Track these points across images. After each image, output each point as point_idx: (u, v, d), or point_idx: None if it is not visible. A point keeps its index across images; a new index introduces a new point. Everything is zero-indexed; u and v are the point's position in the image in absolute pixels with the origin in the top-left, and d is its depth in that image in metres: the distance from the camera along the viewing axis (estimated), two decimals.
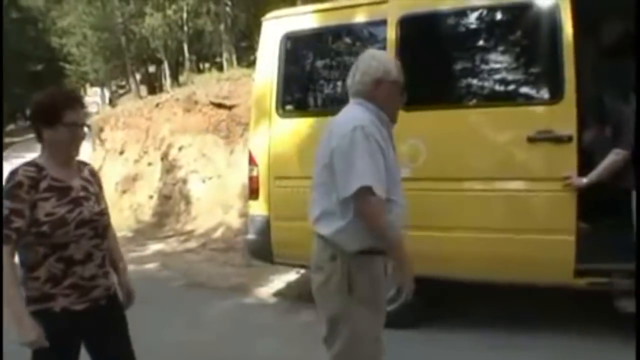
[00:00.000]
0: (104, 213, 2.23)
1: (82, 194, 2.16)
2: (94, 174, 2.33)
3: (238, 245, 7.14)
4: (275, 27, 4.55)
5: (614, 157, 3.58)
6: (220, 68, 17.86)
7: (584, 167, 3.63)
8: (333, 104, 4.52)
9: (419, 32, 4.01)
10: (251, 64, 14.67)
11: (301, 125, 4.44)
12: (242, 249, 6.60)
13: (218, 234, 8.11)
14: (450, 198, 3.83)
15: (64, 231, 2.06)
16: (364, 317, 2.31)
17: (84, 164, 2.31)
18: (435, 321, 4.24)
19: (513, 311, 4.31)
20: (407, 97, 3.86)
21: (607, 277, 3.68)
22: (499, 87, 3.92)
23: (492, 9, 3.94)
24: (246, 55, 18.65)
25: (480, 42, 3.97)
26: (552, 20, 3.66)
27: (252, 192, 4.63)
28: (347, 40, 4.50)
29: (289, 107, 4.57)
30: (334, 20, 4.44)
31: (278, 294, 5.39)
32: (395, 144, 2.47)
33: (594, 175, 3.61)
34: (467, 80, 4.01)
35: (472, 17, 4.00)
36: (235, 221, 8.07)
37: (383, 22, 4.04)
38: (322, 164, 2.32)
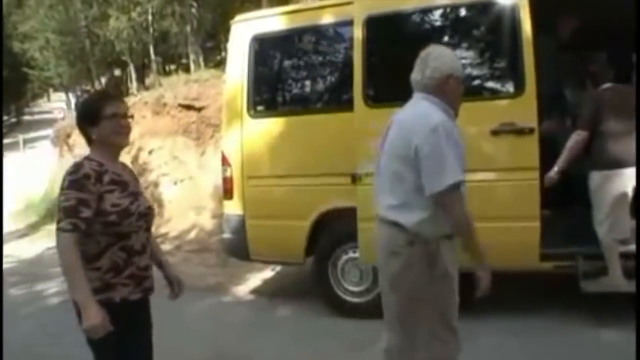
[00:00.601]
0: (152, 208, 2.36)
1: (135, 189, 2.29)
2: (133, 172, 2.44)
3: (212, 246, 7.18)
4: (244, 30, 4.63)
5: (575, 138, 3.82)
6: (187, 69, 17.77)
7: (546, 157, 3.81)
8: (303, 104, 4.65)
9: (385, 32, 4.12)
10: (218, 64, 14.65)
11: (272, 125, 4.54)
12: (217, 249, 6.65)
13: (192, 235, 8.11)
14: None
15: (129, 221, 2.17)
16: (444, 294, 2.43)
17: (123, 163, 2.39)
18: None
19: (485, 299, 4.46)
20: (374, 95, 4.04)
21: (571, 260, 3.88)
22: (465, 82, 4.04)
23: (454, 8, 4.08)
24: (213, 56, 18.59)
25: (445, 40, 4.09)
26: (512, 18, 3.81)
27: (227, 192, 4.70)
28: (315, 40, 4.60)
29: (259, 107, 4.64)
30: (301, 21, 4.54)
31: (254, 291, 5.47)
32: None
33: (560, 162, 3.81)
34: None
35: (436, 16, 4.14)
36: (208, 222, 8.09)
37: (349, 23, 4.13)
38: (395, 155, 2.42)
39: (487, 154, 3.83)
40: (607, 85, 3.89)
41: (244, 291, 5.52)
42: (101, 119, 2.18)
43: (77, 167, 2.14)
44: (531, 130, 3.71)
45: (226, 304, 5.20)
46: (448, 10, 4.11)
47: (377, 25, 4.06)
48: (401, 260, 2.40)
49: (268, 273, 5.87)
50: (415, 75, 2.53)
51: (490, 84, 4.08)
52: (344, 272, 4.44)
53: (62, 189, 2.11)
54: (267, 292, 5.38)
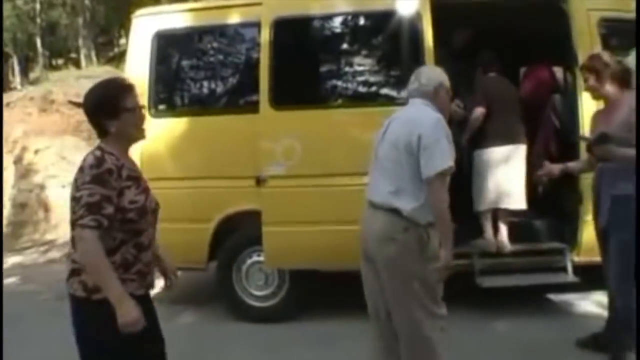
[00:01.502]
0: (158, 203, 2.32)
1: (145, 184, 2.26)
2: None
3: None
4: (146, 25, 4.45)
5: (475, 114, 4.28)
6: (77, 64, 16.81)
7: None
8: (207, 104, 4.53)
9: (292, 35, 4.14)
10: (112, 60, 13.99)
11: (175, 126, 4.39)
12: None
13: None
14: (324, 194, 4.00)
15: (145, 219, 2.16)
16: (433, 274, 2.65)
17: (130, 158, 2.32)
18: (309, 313, 4.40)
19: None
20: (281, 98, 4.05)
21: (468, 259, 4.12)
22: (367, 89, 4.18)
23: (359, 16, 4.19)
24: (106, 51, 17.73)
25: (349, 46, 4.20)
26: (414, 27, 4.00)
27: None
28: (221, 40, 4.51)
29: (161, 107, 4.49)
30: (207, 20, 4.45)
31: (153, 299, 5.21)
32: None
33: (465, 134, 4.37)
34: (337, 82, 4.21)
35: (342, 22, 4.23)
36: None
37: (256, 24, 4.11)
38: (397, 143, 2.65)
39: None
40: (493, 74, 4.43)
41: None
42: (122, 111, 2.12)
43: (99, 160, 2.06)
44: None
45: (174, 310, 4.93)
46: (354, 17, 4.22)
47: (285, 28, 4.08)
48: (398, 245, 2.61)
49: None
50: (411, 85, 2.86)
51: (393, 91, 4.20)
52: (248, 277, 4.39)
53: (83, 182, 2.02)
54: (167, 299, 5.16)
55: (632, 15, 4.34)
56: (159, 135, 4.35)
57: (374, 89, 4.15)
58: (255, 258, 4.35)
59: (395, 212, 2.63)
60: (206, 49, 4.54)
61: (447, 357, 2.97)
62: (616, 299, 3.30)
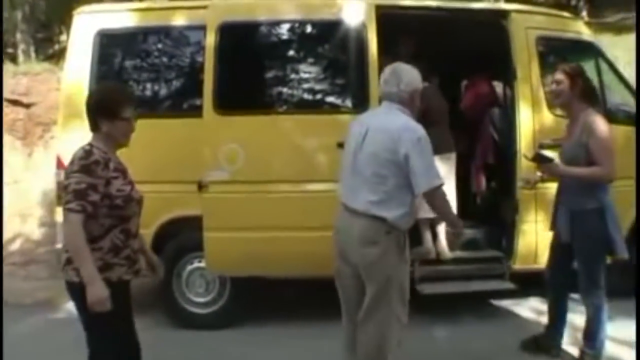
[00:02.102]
0: (143, 197, 2.52)
1: (131, 178, 2.48)
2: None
3: (41, 257, 6.51)
4: (88, 23, 4.31)
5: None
6: (13, 60, 16.07)
7: None
8: (149, 107, 4.41)
9: (238, 40, 4.10)
10: (51, 57, 13.48)
11: None
12: (47, 260, 6.09)
13: (16, 245, 7.29)
14: (266, 200, 3.99)
15: (130, 206, 2.39)
16: (406, 275, 2.90)
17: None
18: (250, 319, 4.38)
19: (324, 303, 4.62)
20: (225, 103, 4.00)
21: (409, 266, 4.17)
22: (312, 96, 4.19)
23: (305, 24, 4.21)
24: (45, 48, 17.05)
25: (294, 53, 4.20)
26: (359, 37, 4.05)
27: (61, 198, 4.31)
28: (165, 42, 4.41)
29: None
30: (152, 20, 4.36)
31: None
32: None
33: None
34: (282, 88, 4.19)
35: (287, 29, 4.22)
36: (35, 231, 7.34)
37: (202, 27, 4.06)
38: (379, 159, 2.71)
39: (333, 165, 3.97)
40: (425, 84, 4.42)
41: None
42: (118, 118, 2.38)
43: (87, 153, 2.30)
44: None
45: (57, 321, 4.73)
46: (300, 25, 4.22)
47: (230, 33, 4.04)
48: (380, 248, 2.74)
49: None
50: (389, 88, 2.84)
51: (337, 99, 4.25)
52: (189, 283, 4.32)
53: (72, 171, 2.26)
54: None
55: (568, 34, 4.57)
56: None
57: (318, 96, 4.17)
58: (196, 264, 4.28)
59: (377, 218, 2.72)
60: (150, 51, 4.44)
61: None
62: (588, 306, 3.47)
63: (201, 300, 4.32)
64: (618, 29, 14.01)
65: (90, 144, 2.37)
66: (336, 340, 3.82)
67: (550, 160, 3.37)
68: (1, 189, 3.68)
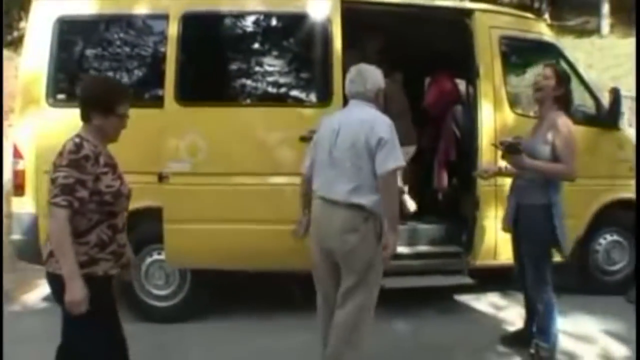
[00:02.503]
0: (131, 190, 2.49)
1: (120, 172, 2.44)
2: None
3: None
4: (48, 9, 4.20)
5: None
6: None
7: None
8: None
9: (201, 30, 4.06)
10: (9, 44, 13.16)
11: (74, 116, 4.14)
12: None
13: None
14: (228, 193, 3.96)
15: (120, 202, 2.36)
16: (381, 261, 3.01)
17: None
18: (211, 313, 4.35)
19: (286, 297, 4.64)
20: (187, 93, 3.96)
21: None
22: (275, 89, 4.18)
23: (270, 16, 4.20)
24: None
25: (259, 45, 4.19)
26: (324, 31, 4.05)
27: (18, 187, 4.22)
28: (126, 30, 4.33)
29: (61, 96, 4.25)
30: (113, 8, 4.26)
31: (48, 298, 4.96)
32: None
33: None
34: (245, 80, 4.18)
35: (251, 21, 4.21)
36: None
37: (165, 17, 4.00)
38: (355, 149, 2.89)
39: (295, 159, 3.96)
40: (387, 80, 4.52)
41: (35, 299, 4.98)
42: (113, 113, 2.35)
43: (77, 147, 2.24)
44: None
45: (14, 314, 4.61)
46: (265, 17, 4.21)
47: (193, 23, 3.99)
48: (360, 234, 2.91)
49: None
50: (357, 87, 3.07)
51: (301, 93, 4.25)
52: (148, 275, 4.26)
53: (60, 165, 2.20)
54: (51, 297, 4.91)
55: (531, 35, 4.66)
56: (57, 126, 4.11)
57: (282, 89, 4.16)
58: (155, 256, 4.23)
59: (356, 206, 2.91)
60: (111, 39, 4.35)
61: None
62: (537, 302, 3.53)
63: (161, 293, 4.27)
64: (579, 32, 14.41)
65: (80, 136, 2.31)
66: (299, 334, 3.87)
67: (520, 152, 3.43)
68: (1, 188, 3.60)
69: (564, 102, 3.52)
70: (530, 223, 3.46)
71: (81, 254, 2.25)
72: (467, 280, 4.38)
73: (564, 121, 3.41)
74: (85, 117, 2.37)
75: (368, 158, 2.89)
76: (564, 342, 3.92)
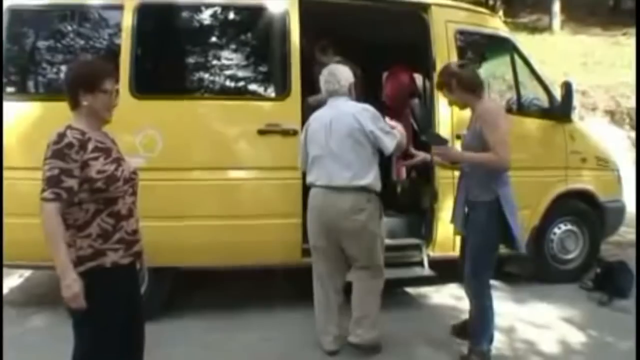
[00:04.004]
0: (136, 173, 2.41)
1: (118, 155, 2.36)
2: (114, 140, 2.46)
3: None
4: None
5: None
6: None
7: None
8: (62, 89, 4.15)
9: (157, 21, 3.98)
10: None
11: (25, 110, 4.01)
12: None
13: None
14: (185, 188, 3.90)
15: (115, 186, 2.24)
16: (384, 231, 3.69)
17: (104, 131, 2.42)
18: (167, 313, 4.25)
19: (239, 295, 4.60)
20: (142, 86, 3.86)
21: None
22: (232, 82, 4.12)
23: (228, 8, 4.13)
24: None
25: (216, 38, 4.12)
26: (282, 24, 4.02)
27: None
28: (80, 21, 4.16)
29: (10, 89, 4.06)
30: None
31: (5, 301, 4.77)
32: None
33: None
34: (202, 73, 4.11)
35: (209, 13, 4.13)
36: None
37: (120, 7, 3.90)
38: (352, 139, 3.35)
39: (253, 152, 3.95)
40: None
41: None
42: (99, 90, 2.27)
43: (60, 136, 2.18)
44: (295, 132, 3.92)
45: None
46: (222, 9, 4.14)
47: (150, 14, 3.91)
48: (367, 213, 3.39)
49: (15, 280, 5.18)
50: (332, 86, 3.49)
51: (259, 86, 4.22)
52: None
53: (45, 158, 2.16)
54: (15, 302, 4.72)
55: (487, 30, 4.73)
56: (6, 120, 3.97)
57: (239, 82, 4.11)
58: None
59: (360, 188, 3.35)
60: (64, 30, 4.18)
61: (304, 351, 3.17)
62: (473, 305, 3.44)
63: None
64: (531, 29, 14.82)
65: (66, 126, 2.24)
66: (250, 333, 3.83)
67: (444, 142, 3.39)
68: (1, 188, 3.44)
69: (470, 86, 3.32)
70: (478, 220, 3.29)
71: (85, 247, 2.20)
72: (428, 272, 4.41)
73: (487, 108, 3.28)
74: (74, 103, 2.30)
75: (365, 141, 3.35)
76: (523, 330, 4.02)
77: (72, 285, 2.09)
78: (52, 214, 2.09)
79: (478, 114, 3.29)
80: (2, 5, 3.93)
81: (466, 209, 3.45)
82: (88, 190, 2.19)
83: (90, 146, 2.22)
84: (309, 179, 3.48)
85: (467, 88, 3.33)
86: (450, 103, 3.58)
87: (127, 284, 2.37)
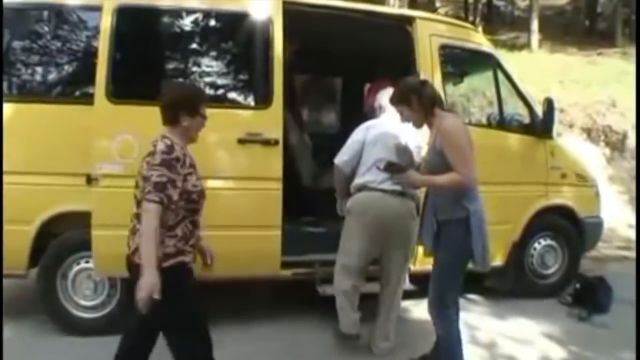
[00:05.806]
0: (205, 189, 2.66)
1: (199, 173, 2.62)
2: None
3: None
4: None
5: None
6: None
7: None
8: (35, 91, 4.01)
9: (136, 25, 3.86)
10: None
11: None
12: None
13: None
14: None
15: (202, 200, 2.59)
16: None
17: None
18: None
19: (224, 306, 4.48)
20: (119, 91, 3.74)
21: (310, 267, 4.13)
22: (213, 90, 4.01)
23: (209, 14, 4.03)
24: None
25: (197, 44, 4.02)
26: (265, 32, 3.95)
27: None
28: (56, 22, 4.03)
29: None
30: None
31: None
32: None
33: None
34: (182, 79, 3.98)
35: (191, 19, 4.03)
36: None
37: (98, 8, 3.79)
38: (406, 150, 3.57)
39: (233, 162, 3.87)
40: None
41: None
42: (198, 113, 2.59)
43: (169, 148, 2.45)
44: (276, 142, 3.85)
45: None
46: (204, 15, 4.04)
47: (129, 17, 3.79)
48: (416, 221, 3.58)
49: None
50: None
51: (240, 94, 4.13)
52: (75, 285, 3.99)
53: (154, 164, 2.39)
54: None
55: (470, 44, 4.74)
56: None
57: (220, 90, 4.01)
58: (83, 265, 3.96)
59: (411, 196, 3.67)
60: (40, 30, 4.05)
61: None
62: (435, 327, 3.29)
63: (89, 303, 4.01)
64: (510, 47, 15.06)
65: (168, 138, 2.50)
66: (222, 350, 3.70)
67: (401, 169, 3.27)
68: (1, 188, 3.31)
69: (429, 102, 3.11)
70: (448, 239, 3.13)
71: (171, 245, 2.46)
72: (409, 286, 4.36)
73: (446, 124, 3.04)
74: (173, 120, 2.55)
75: (412, 157, 3.52)
76: (503, 345, 3.99)
77: (152, 276, 2.28)
78: (154, 214, 2.33)
79: (437, 131, 3.08)
80: (2, 6, 3.80)
81: (435, 227, 3.22)
82: (185, 200, 2.47)
83: (188, 162, 2.52)
84: (364, 179, 3.66)
85: (427, 104, 3.11)
86: (406, 119, 3.24)
87: (192, 283, 2.64)
